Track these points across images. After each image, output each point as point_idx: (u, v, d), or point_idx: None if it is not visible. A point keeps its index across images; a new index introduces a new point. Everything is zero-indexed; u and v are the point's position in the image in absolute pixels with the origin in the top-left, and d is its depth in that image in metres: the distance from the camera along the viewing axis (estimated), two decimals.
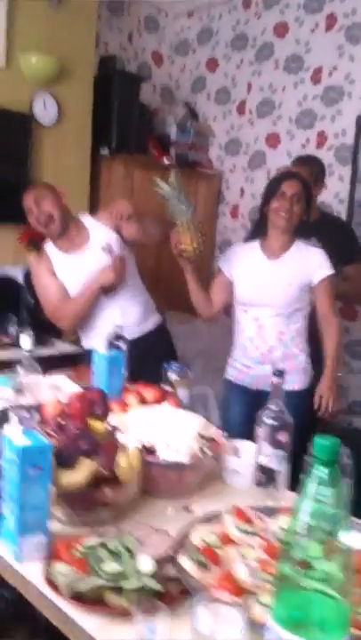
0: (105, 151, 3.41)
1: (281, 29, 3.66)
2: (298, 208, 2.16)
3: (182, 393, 1.84)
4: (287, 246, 2.23)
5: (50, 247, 2.40)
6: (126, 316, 2.36)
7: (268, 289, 2.20)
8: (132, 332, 2.31)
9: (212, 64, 4.07)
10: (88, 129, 3.36)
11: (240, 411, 2.27)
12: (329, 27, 3.43)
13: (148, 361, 2.00)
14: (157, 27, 4.03)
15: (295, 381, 2.19)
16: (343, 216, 3.41)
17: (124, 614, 0.90)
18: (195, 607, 0.83)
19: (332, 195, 3.47)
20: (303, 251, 2.22)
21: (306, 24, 3.53)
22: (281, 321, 2.20)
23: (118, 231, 2.39)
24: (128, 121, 3.43)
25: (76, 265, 2.35)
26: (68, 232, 2.35)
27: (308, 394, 2.22)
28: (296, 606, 0.74)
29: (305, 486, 0.75)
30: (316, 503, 0.73)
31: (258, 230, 2.38)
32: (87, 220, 2.43)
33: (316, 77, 3.52)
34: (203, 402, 3.32)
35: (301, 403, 2.19)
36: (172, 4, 3.95)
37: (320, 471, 0.74)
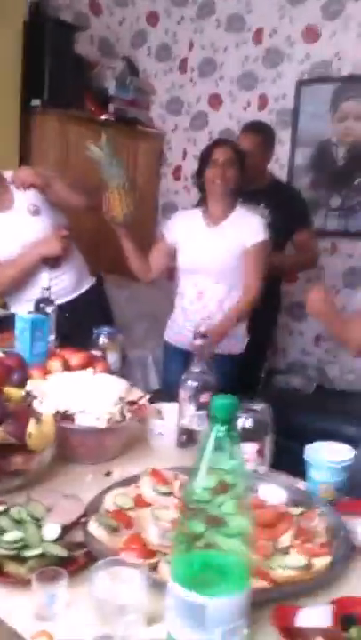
0: (36, 102, 3.23)
1: None
2: (230, 173, 2.18)
3: (112, 357, 1.80)
4: (227, 213, 2.25)
5: None
6: (58, 281, 2.26)
7: (206, 255, 2.22)
8: (65, 297, 2.25)
9: (153, 18, 3.91)
10: (17, 78, 3.16)
11: (179, 372, 2.26)
12: None
13: (82, 325, 1.93)
14: None
15: (231, 346, 2.24)
16: (283, 179, 3.39)
17: (24, 583, 0.86)
18: (94, 572, 0.80)
19: (273, 159, 3.43)
20: (242, 217, 2.25)
21: None
22: (221, 288, 2.22)
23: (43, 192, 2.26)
24: (62, 72, 3.24)
25: (1, 226, 2.21)
26: None
27: (242, 358, 2.28)
28: (197, 564, 0.73)
29: (207, 443, 0.73)
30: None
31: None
32: (9, 176, 2.26)
33: (257, 38, 3.45)
34: (142, 365, 3.31)
35: (235, 367, 2.25)
36: None
37: (219, 429, 0.73)
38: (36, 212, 2.21)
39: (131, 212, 2.11)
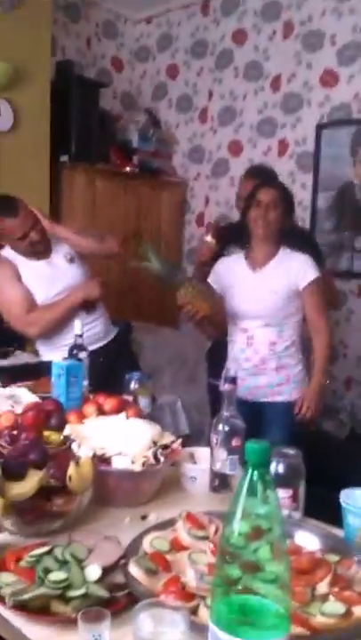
0: (64, 158, 3.39)
1: (239, 36, 3.71)
2: (274, 215, 2.14)
3: (143, 402, 1.84)
4: (271, 255, 2.22)
5: (8, 252, 2.35)
6: (90, 327, 2.35)
7: (253, 299, 2.18)
8: (98, 343, 2.35)
9: (173, 71, 4.10)
10: (46, 135, 3.35)
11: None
12: (286, 34, 3.49)
13: (114, 370, 2.00)
14: (116, 32, 4.04)
15: (291, 392, 2.20)
16: (307, 223, 3.47)
17: (69, 623, 0.90)
18: (137, 613, 0.84)
19: (296, 203, 3.50)
20: (287, 257, 2.21)
21: (264, 31, 3.59)
22: (272, 331, 2.18)
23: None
24: (88, 127, 3.42)
25: (43, 272, 2.33)
26: None
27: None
28: (236, 608, 0.75)
29: (242, 488, 0.76)
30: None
31: (237, 240, 2.35)
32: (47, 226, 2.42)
33: (275, 85, 3.58)
34: (171, 409, 3.34)
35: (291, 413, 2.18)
36: (130, 9, 3.97)
37: (253, 474, 0.75)
38: (72, 260, 2.38)
39: (214, 302, 2.07)
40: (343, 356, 3.41)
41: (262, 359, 2.18)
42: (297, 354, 2.23)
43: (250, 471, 0.76)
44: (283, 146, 3.58)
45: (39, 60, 3.31)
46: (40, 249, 2.31)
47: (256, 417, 2.13)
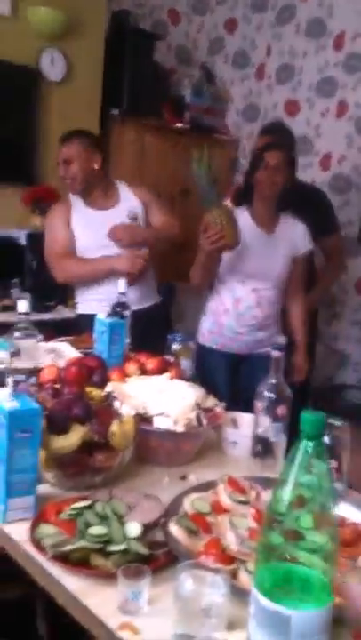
0: (115, 112, 3.32)
1: None
2: (281, 177, 2.20)
3: (185, 364, 1.83)
4: (276, 218, 2.30)
5: (74, 198, 2.41)
6: (128, 291, 2.33)
7: (268, 263, 2.26)
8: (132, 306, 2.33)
9: (231, 25, 3.93)
10: (98, 87, 3.28)
11: (228, 378, 2.36)
12: None
13: (148, 334, 1.98)
14: None
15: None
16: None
17: (107, 577, 0.91)
18: (179, 572, 0.83)
19: (351, 167, 3.38)
20: (290, 224, 2.32)
21: None
22: (277, 293, 2.32)
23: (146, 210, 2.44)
24: (141, 81, 3.32)
25: (97, 220, 2.35)
26: (92, 191, 2.37)
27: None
28: (279, 575, 0.75)
29: (295, 458, 0.75)
30: (311, 475, 0.74)
31: (242, 199, 2.35)
32: (122, 186, 2.47)
33: (338, 43, 3.39)
34: None
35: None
36: None
37: (307, 445, 0.74)
38: (133, 219, 2.38)
39: (239, 231, 2.09)
40: None
41: (267, 316, 2.31)
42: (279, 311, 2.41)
43: (304, 441, 0.74)
44: (342, 107, 3.41)
45: (94, 10, 3.21)
46: (75, 188, 2.34)
47: (241, 371, 2.34)
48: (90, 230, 2.35)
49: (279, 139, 2.58)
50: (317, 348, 3.12)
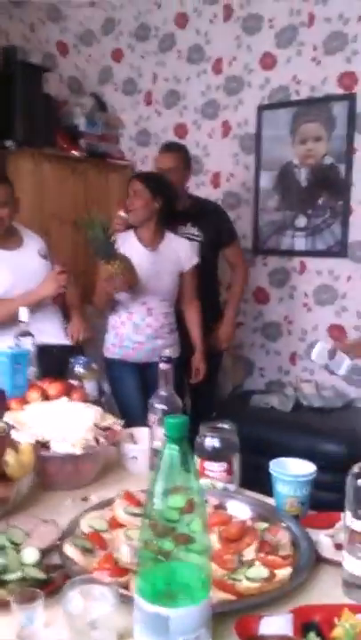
0: (9, 143, 3.32)
1: (181, 20, 3.69)
2: (138, 203, 2.49)
3: (89, 386, 1.86)
4: (159, 236, 2.56)
5: None
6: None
7: (153, 279, 2.49)
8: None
9: (118, 54, 4.05)
10: None
11: (135, 385, 2.54)
12: (226, 17, 3.49)
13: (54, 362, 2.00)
14: (60, 16, 3.96)
15: (178, 350, 2.58)
16: (250, 203, 3.51)
17: (4, 605, 0.92)
18: (67, 590, 0.86)
19: (240, 183, 3.56)
20: (173, 241, 2.59)
21: (204, 15, 3.58)
22: (166, 304, 2.57)
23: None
24: (33, 113, 3.35)
25: (11, 261, 2.32)
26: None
27: (179, 362, 2.44)
28: (160, 579, 0.78)
29: (163, 462, 0.79)
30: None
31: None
32: (19, 226, 2.47)
33: (217, 68, 3.59)
34: None
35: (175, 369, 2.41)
36: None
37: (172, 447, 0.78)
38: (45, 257, 2.44)
39: (136, 271, 2.39)
40: (288, 332, 3.49)
41: (162, 325, 2.55)
42: (175, 322, 2.65)
43: (170, 445, 0.78)
44: (226, 127, 3.60)
45: None
46: None
47: (148, 378, 2.48)
48: (6, 272, 2.31)
49: (178, 156, 2.86)
50: (225, 357, 3.25)
